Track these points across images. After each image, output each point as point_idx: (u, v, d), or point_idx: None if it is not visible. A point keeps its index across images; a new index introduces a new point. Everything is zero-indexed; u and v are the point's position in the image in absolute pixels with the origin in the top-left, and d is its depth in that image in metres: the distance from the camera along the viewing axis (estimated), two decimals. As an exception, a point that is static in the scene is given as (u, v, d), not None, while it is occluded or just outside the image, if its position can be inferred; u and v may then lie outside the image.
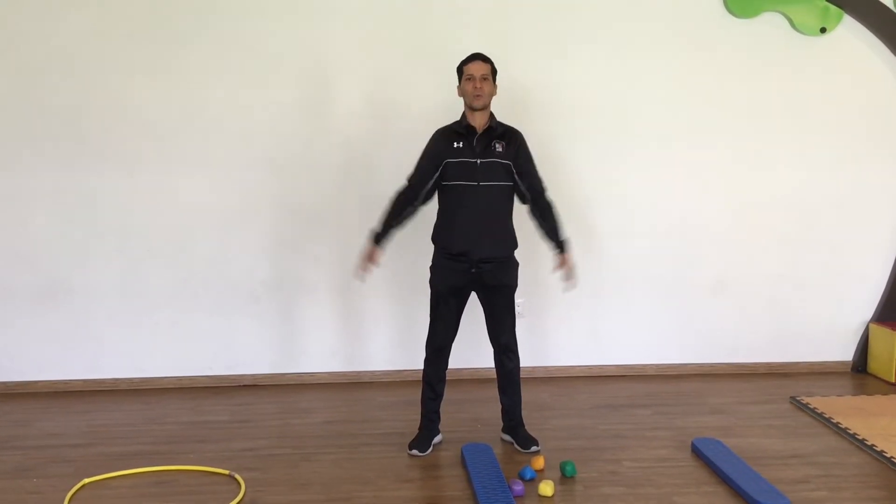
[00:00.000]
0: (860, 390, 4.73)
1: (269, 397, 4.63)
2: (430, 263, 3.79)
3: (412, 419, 3.96)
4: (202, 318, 4.77)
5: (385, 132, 4.69)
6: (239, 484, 3.41)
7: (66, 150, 4.60)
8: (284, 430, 4.09)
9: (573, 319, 4.93)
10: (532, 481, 3.41)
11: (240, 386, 4.81)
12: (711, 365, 5.03)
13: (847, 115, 4.89)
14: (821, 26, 4.77)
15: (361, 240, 4.72)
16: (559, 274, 3.81)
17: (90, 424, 4.20)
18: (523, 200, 3.75)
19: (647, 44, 4.78)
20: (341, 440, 3.94)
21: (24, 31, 4.52)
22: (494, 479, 3.35)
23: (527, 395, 3.94)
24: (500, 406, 3.92)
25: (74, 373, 4.75)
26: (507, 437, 3.91)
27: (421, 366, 3.85)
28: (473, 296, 3.79)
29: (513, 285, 3.78)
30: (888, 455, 3.68)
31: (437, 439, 3.86)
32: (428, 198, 3.73)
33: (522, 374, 3.88)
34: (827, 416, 4.20)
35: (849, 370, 5.08)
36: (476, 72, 3.61)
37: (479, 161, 3.61)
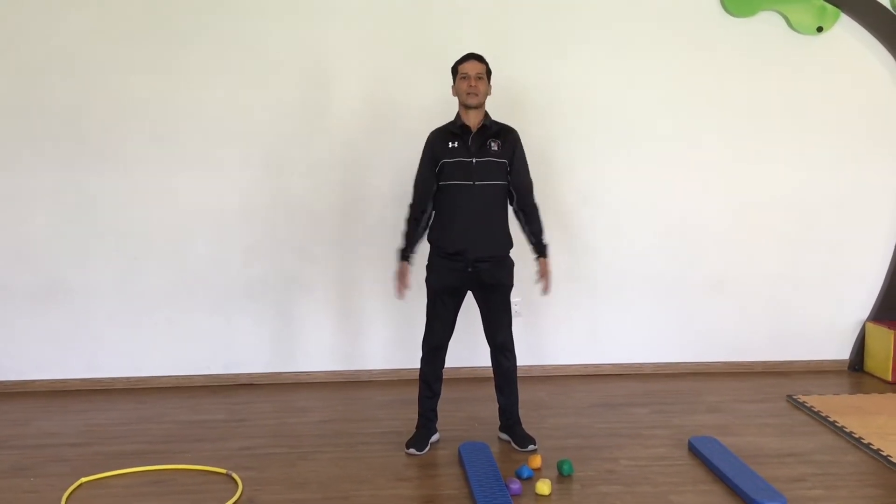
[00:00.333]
0: (857, 389, 4.73)
1: (266, 396, 4.63)
2: (426, 263, 3.79)
3: (409, 418, 3.96)
4: (200, 317, 4.77)
5: (385, 132, 4.69)
6: (236, 483, 3.41)
7: (66, 149, 4.61)
8: (282, 429, 4.09)
9: (571, 318, 4.94)
10: (529, 480, 3.41)
11: (237, 385, 4.81)
12: (708, 363, 5.03)
13: (846, 115, 4.90)
14: (817, 25, 4.78)
15: (361, 239, 4.78)
16: (537, 280, 3.82)
17: (88, 424, 4.20)
18: (510, 200, 3.76)
19: (646, 43, 4.78)
20: (339, 439, 3.95)
21: (24, 31, 4.52)
22: (492, 477, 3.35)
23: (524, 393, 3.94)
24: (497, 405, 3.92)
25: (72, 372, 4.75)
26: (505, 436, 3.91)
27: (418, 365, 3.86)
28: (470, 294, 3.79)
29: (509, 284, 3.78)
30: (885, 453, 3.69)
31: (434, 438, 3.86)
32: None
33: (519, 373, 3.89)
34: (824, 414, 4.20)
35: (846, 369, 5.09)
36: (471, 70, 3.62)
37: (474, 160, 3.62)
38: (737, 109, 4.85)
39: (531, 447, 3.77)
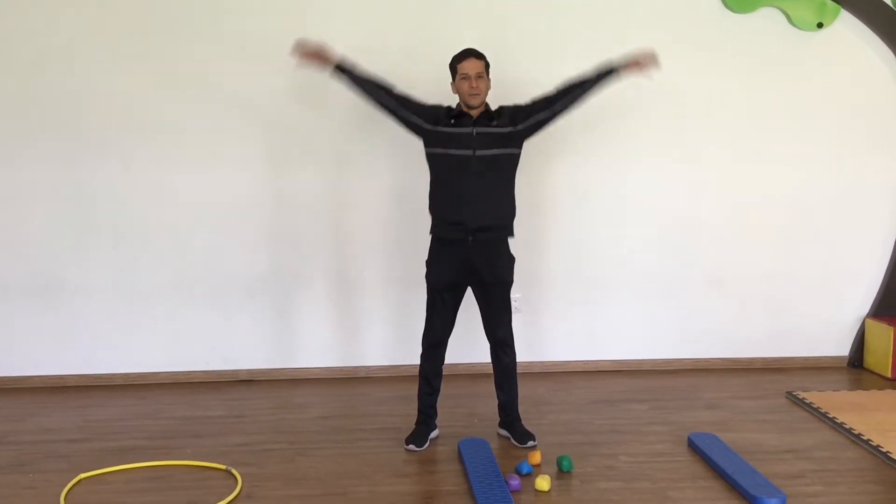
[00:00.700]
0: (856, 385, 4.73)
1: (265, 392, 4.63)
2: (426, 258, 3.78)
3: (409, 414, 3.95)
4: (198, 313, 4.76)
5: (384, 131, 4.66)
6: (235, 479, 3.41)
7: (64, 146, 4.59)
8: (281, 426, 4.09)
9: (570, 315, 4.93)
10: (529, 476, 3.41)
11: (236, 381, 4.80)
12: (708, 360, 5.03)
13: (845, 113, 4.88)
14: (818, 21, 4.77)
15: (360, 235, 4.77)
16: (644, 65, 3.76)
17: (86, 419, 4.19)
18: (552, 106, 3.68)
19: (645, 40, 4.73)
20: (337, 435, 3.94)
21: (22, 29, 4.50)
22: (491, 473, 3.35)
23: (523, 390, 3.94)
24: (496, 401, 3.92)
25: (70, 368, 4.74)
26: (504, 432, 3.90)
27: (417, 361, 3.86)
28: (470, 291, 3.79)
29: (508, 281, 3.77)
30: (884, 450, 3.69)
31: (433, 434, 3.86)
32: (393, 112, 3.69)
33: (519, 369, 3.88)
34: (823, 410, 4.20)
35: (845, 365, 5.09)
36: (471, 70, 3.59)
37: (475, 131, 3.61)
38: (736, 108, 4.83)
39: (531, 443, 3.77)
